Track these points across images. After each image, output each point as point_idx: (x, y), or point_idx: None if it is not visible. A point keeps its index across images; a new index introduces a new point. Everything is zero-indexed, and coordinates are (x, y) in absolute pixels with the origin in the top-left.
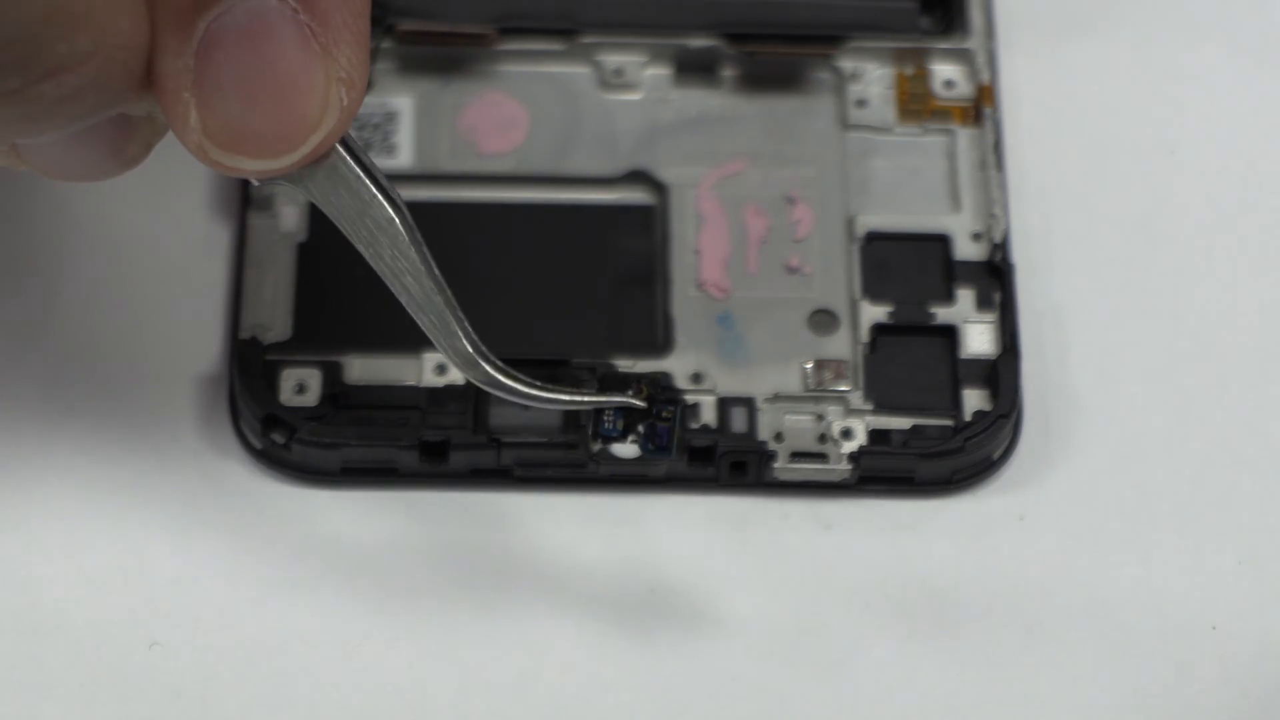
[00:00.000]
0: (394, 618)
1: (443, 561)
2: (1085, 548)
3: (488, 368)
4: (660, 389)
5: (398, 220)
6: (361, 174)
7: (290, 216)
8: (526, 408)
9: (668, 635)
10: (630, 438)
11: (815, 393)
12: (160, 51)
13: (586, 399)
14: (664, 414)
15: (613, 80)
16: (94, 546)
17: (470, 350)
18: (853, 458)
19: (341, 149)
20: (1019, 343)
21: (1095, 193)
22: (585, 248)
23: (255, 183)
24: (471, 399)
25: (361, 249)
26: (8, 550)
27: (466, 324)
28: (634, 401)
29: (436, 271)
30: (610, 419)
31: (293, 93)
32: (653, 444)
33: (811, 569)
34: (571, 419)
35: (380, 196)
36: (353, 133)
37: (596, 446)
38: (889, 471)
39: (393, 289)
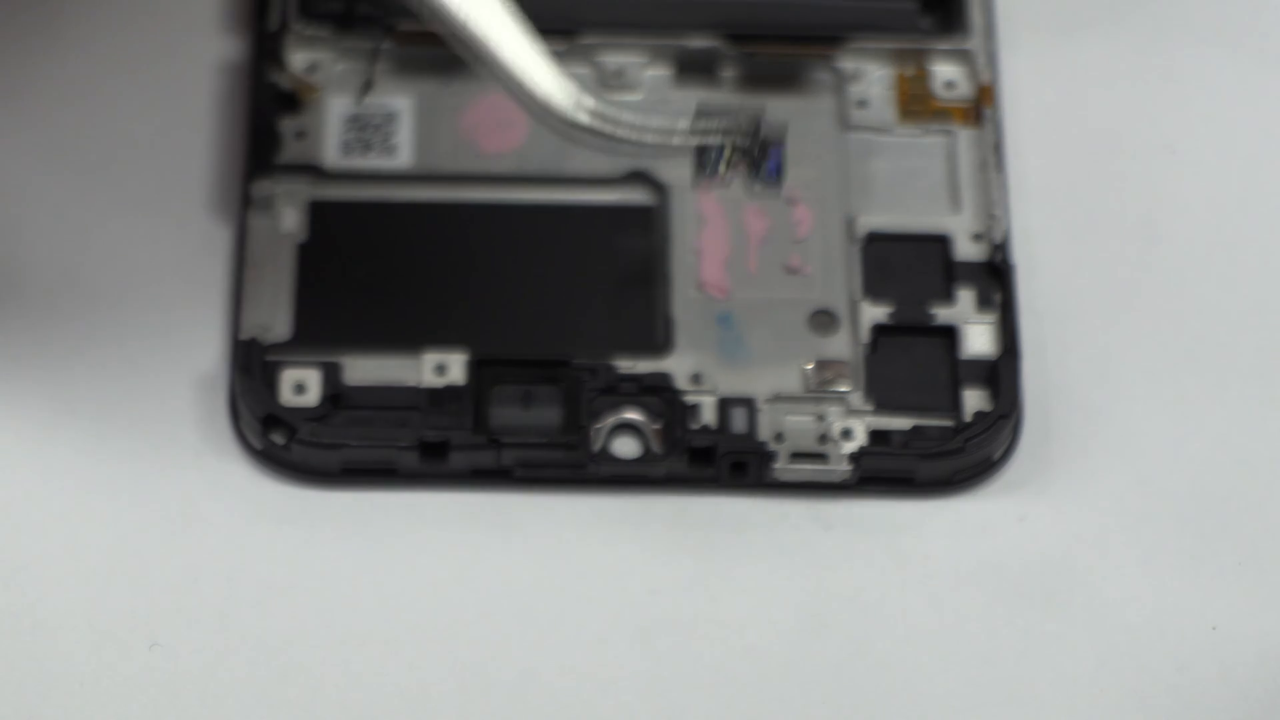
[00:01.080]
0: (393, 618)
1: (443, 562)
2: (1085, 548)
3: (591, 99)
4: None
5: None
6: None
7: (290, 216)
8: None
9: (668, 635)
10: (733, 174)
11: (815, 393)
12: None
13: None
14: (770, 144)
15: (613, 80)
16: (94, 547)
17: (568, 79)
18: (853, 458)
19: None
20: (1019, 343)
21: (1095, 193)
22: (585, 248)
23: None
24: (471, 399)
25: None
26: (8, 550)
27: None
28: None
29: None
30: (715, 152)
31: None
32: (758, 174)
33: (811, 569)
34: (572, 420)
35: None
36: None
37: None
38: (889, 472)
39: (472, 32)
